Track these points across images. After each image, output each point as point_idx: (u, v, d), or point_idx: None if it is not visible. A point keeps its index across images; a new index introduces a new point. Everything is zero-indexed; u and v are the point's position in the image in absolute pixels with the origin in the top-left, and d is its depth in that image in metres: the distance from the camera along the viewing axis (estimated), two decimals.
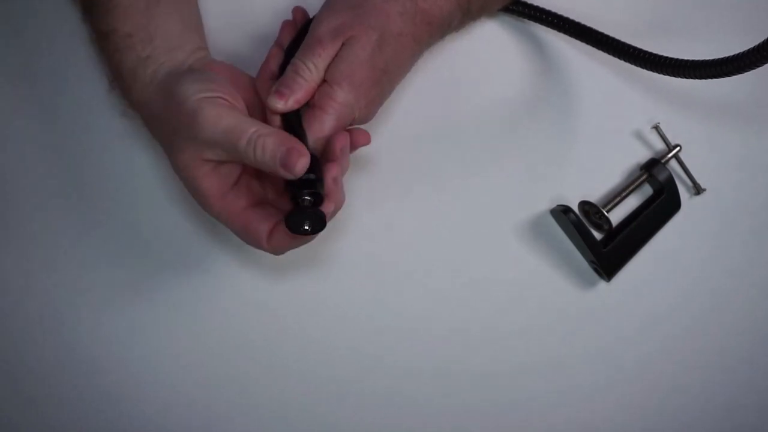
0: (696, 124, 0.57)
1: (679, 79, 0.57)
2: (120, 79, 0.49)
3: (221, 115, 0.43)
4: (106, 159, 0.56)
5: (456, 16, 0.52)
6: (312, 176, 0.44)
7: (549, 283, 0.56)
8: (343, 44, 0.47)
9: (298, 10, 0.53)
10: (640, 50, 0.52)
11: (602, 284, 0.56)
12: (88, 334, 0.55)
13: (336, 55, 0.47)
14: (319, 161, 0.46)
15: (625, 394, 0.56)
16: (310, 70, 0.47)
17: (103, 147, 0.56)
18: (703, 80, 0.55)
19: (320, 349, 0.55)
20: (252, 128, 0.43)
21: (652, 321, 0.56)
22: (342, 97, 0.47)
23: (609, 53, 0.54)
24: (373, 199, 0.55)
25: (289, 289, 0.55)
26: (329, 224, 0.44)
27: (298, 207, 0.43)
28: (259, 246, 0.46)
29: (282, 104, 0.46)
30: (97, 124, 0.56)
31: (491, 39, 0.57)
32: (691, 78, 0.48)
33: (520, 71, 0.57)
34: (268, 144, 0.43)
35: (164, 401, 0.55)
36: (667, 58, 0.50)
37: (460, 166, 0.57)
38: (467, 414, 0.55)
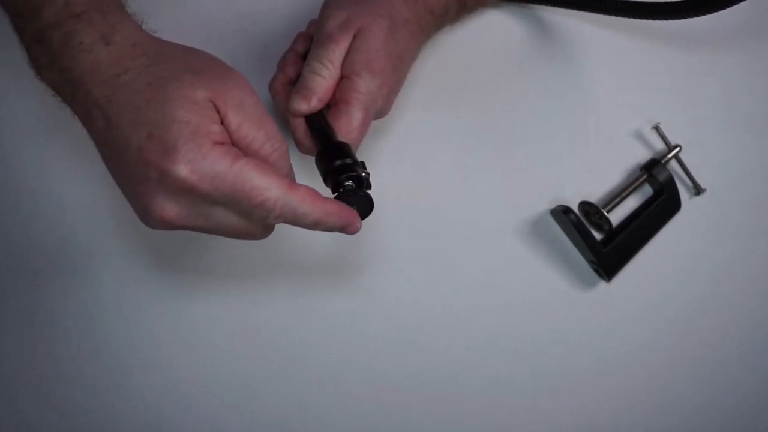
0: (696, 124, 0.57)
1: (678, 79, 0.57)
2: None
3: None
4: None
5: (453, 6, 0.52)
6: (348, 160, 0.43)
7: (549, 283, 0.56)
8: (354, 36, 0.47)
9: (314, 23, 0.52)
10: (638, 2, 0.51)
11: (602, 284, 0.56)
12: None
13: (350, 48, 0.47)
14: (350, 146, 0.45)
15: (625, 395, 0.56)
16: (327, 68, 0.46)
17: None
18: (703, 79, 0.55)
19: (315, 347, 0.55)
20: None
21: (653, 321, 0.56)
22: (364, 86, 0.46)
23: (611, 14, 0.53)
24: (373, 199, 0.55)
25: (281, 283, 0.55)
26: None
27: (342, 194, 0.42)
28: (280, 185, 0.38)
29: (306, 106, 0.46)
30: None
31: (491, 37, 0.58)
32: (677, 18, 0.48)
33: (520, 72, 0.58)
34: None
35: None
36: (665, 2, 0.49)
37: (460, 166, 0.57)
38: (465, 414, 0.55)
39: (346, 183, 0.42)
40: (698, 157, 0.57)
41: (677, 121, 0.57)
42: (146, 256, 0.55)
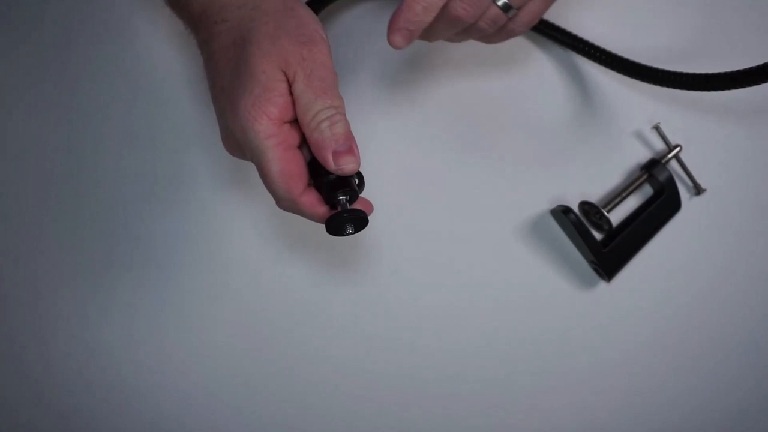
0: (696, 124, 0.57)
1: None
2: None
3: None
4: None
5: None
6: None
7: (549, 283, 0.56)
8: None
9: None
10: (651, 68, 0.52)
11: (602, 284, 0.56)
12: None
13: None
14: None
15: (625, 394, 0.56)
16: None
17: None
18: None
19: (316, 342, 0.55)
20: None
21: (653, 321, 0.56)
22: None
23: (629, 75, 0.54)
24: (373, 199, 0.55)
25: (280, 284, 0.55)
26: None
27: (338, 211, 0.43)
28: (289, 190, 0.42)
29: None
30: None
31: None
32: (702, 90, 0.49)
33: (520, 72, 0.57)
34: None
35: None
36: (671, 72, 0.50)
37: (461, 167, 0.57)
38: (464, 413, 0.55)
39: (339, 198, 0.43)
40: (698, 157, 0.57)
41: (677, 121, 0.57)
42: (145, 256, 0.55)
